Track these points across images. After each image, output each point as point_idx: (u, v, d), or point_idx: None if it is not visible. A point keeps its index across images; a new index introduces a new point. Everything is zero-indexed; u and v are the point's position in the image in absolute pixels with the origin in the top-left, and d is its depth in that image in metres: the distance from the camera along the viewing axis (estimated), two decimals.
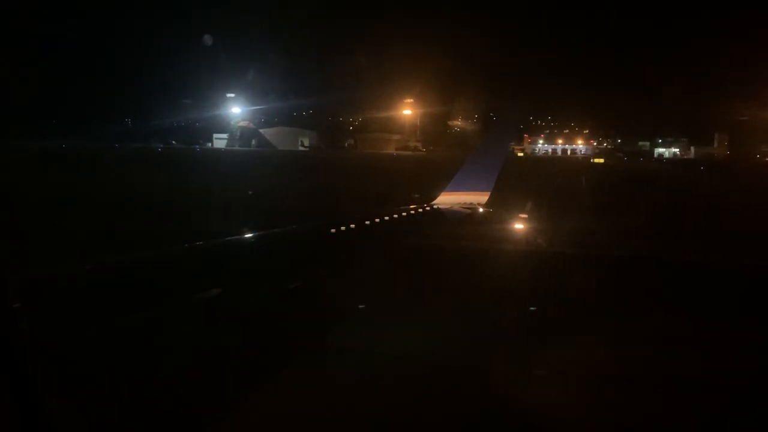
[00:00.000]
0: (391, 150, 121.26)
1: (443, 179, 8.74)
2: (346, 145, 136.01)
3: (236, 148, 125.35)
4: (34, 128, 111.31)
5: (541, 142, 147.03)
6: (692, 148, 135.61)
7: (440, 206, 7.98)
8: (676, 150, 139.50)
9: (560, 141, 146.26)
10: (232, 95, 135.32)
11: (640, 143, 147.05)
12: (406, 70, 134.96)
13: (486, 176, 8.53)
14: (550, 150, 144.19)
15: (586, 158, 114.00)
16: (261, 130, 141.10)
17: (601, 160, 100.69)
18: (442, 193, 8.39)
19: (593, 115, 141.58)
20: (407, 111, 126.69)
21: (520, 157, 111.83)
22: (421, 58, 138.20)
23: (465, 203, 8.23)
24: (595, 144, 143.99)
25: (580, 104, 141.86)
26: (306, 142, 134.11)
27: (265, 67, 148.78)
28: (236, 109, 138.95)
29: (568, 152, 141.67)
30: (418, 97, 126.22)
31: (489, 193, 8.36)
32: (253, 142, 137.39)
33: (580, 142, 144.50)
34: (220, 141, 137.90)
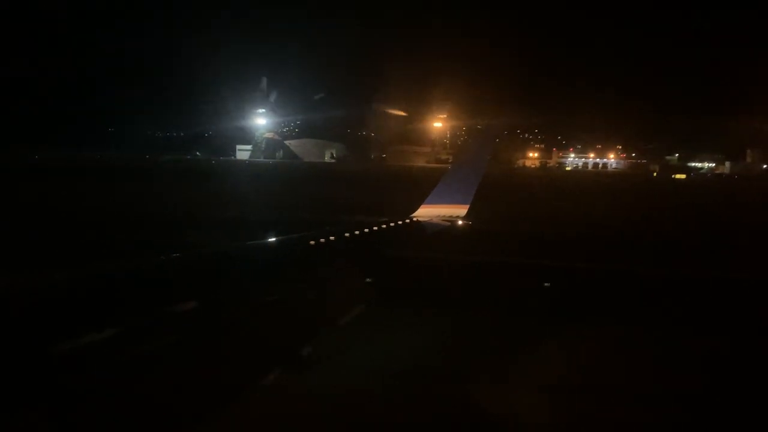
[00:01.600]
0: (421, 163, 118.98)
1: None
2: (373, 157, 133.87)
3: (261, 159, 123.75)
4: (63, 139, 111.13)
5: (572, 155, 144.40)
6: (727, 164, 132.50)
7: (420, 218, 8.07)
8: (710, 165, 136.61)
9: (592, 155, 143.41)
10: (261, 110, 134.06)
11: (668, 158, 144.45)
12: (436, 83, 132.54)
13: (466, 189, 8.64)
14: (580, 163, 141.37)
15: (619, 173, 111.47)
16: (286, 142, 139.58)
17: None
18: (422, 206, 8.44)
19: (623, 129, 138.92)
20: (438, 124, 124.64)
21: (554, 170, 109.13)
22: (453, 72, 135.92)
23: (445, 216, 8.35)
24: (625, 157, 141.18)
25: (611, 118, 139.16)
26: (331, 155, 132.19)
27: (291, 79, 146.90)
28: (261, 120, 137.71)
29: (599, 166, 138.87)
30: (450, 111, 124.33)
31: (468, 206, 8.49)
32: (279, 153, 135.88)
33: (611, 156, 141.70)
34: (243, 152, 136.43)
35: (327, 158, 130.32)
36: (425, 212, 8.41)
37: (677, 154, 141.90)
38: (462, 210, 8.56)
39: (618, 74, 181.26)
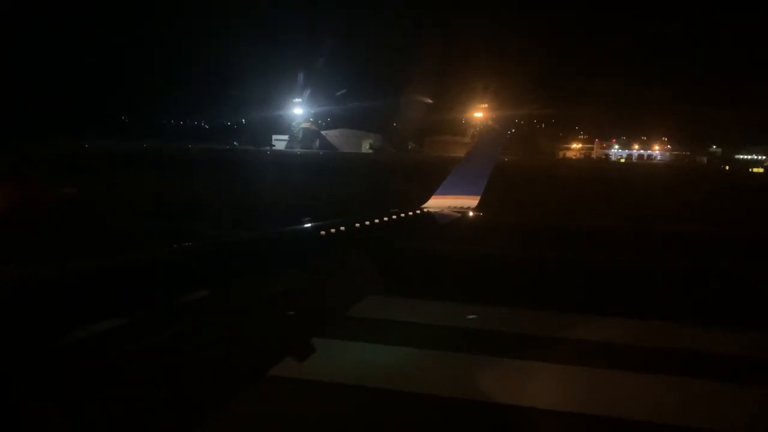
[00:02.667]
0: (460, 153, 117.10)
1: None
2: (410, 147, 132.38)
3: (297, 149, 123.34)
4: (101, 129, 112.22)
5: (616, 147, 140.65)
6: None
7: (431, 209, 8.15)
8: (760, 156, 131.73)
9: (636, 146, 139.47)
10: (298, 100, 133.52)
11: (712, 149, 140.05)
12: (475, 73, 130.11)
13: (477, 180, 8.60)
14: (624, 155, 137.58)
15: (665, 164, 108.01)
16: (323, 132, 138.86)
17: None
18: (433, 197, 8.45)
19: (668, 121, 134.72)
20: (477, 113, 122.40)
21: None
22: (492, 62, 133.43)
23: (455, 207, 8.39)
24: (670, 148, 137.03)
25: (656, 109, 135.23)
26: (370, 145, 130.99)
27: (329, 69, 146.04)
28: (298, 110, 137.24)
29: (644, 157, 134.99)
30: (489, 100, 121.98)
31: (479, 197, 8.49)
32: (315, 143, 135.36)
33: (656, 147, 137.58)
34: (279, 142, 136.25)
35: (364, 149, 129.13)
36: (436, 203, 8.42)
37: (715, 147, 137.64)
38: (473, 201, 8.51)
39: (660, 65, 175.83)
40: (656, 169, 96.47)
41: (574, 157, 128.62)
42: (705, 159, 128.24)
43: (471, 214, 8.27)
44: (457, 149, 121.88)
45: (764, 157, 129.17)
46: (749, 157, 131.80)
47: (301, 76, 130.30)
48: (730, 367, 8.02)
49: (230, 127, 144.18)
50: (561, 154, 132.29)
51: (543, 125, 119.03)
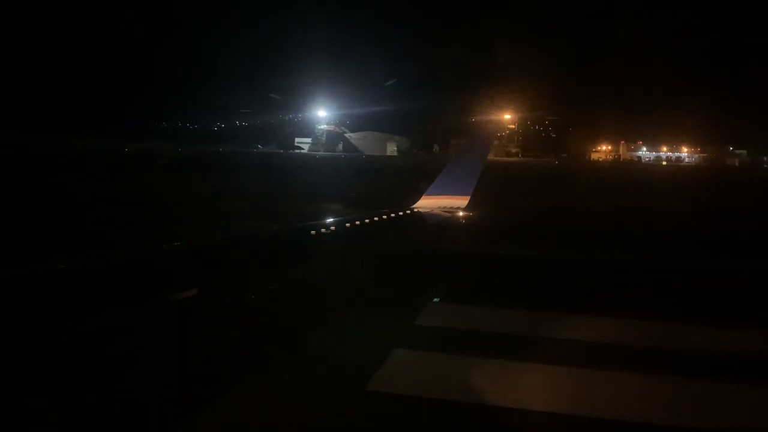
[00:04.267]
0: (488, 156, 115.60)
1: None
2: (435, 150, 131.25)
3: (321, 152, 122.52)
4: (118, 130, 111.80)
5: (644, 148, 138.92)
6: None
7: (421, 209, 8.12)
8: None
9: (664, 148, 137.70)
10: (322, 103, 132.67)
11: (737, 151, 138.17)
12: (502, 75, 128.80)
13: (466, 180, 8.67)
14: (652, 157, 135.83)
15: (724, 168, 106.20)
16: (347, 135, 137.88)
17: None
18: (423, 197, 8.48)
19: (693, 123, 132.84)
20: (506, 116, 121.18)
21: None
22: (518, 64, 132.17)
23: (445, 206, 8.42)
24: (699, 150, 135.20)
25: (681, 111, 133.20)
26: (394, 148, 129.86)
27: (353, 71, 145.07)
28: (321, 113, 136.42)
29: (673, 160, 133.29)
30: (518, 103, 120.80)
31: (469, 197, 8.54)
32: (339, 146, 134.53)
33: (685, 149, 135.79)
34: (302, 145, 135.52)
35: (389, 152, 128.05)
36: (426, 203, 8.39)
37: (745, 150, 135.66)
38: (463, 201, 8.54)
39: (687, 67, 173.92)
40: (708, 172, 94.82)
41: (600, 160, 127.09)
42: (736, 161, 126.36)
43: (461, 214, 8.35)
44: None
45: None
46: None
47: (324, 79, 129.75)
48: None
49: (253, 130, 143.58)
50: (590, 156, 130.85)
51: (570, 128, 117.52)
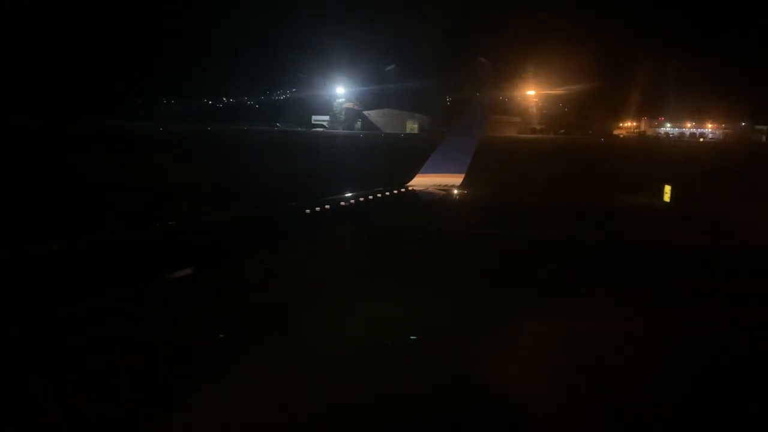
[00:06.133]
0: (512, 133, 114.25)
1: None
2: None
3: (340, 130, 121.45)
4: (137, 109, 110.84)
5: (668, 125, 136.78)
6: None
7: (415, 188, 7.97)
8: None
9: (688, 124, 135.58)
10: (336, 80, 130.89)
11: (758, 127, 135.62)
12: (523, 51, 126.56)
13: (461, 159, 8.63)
14: (676, 132, 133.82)
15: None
16: (365, 112, 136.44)
17: None
18: (417, 175, 8.37)
19: (715, 98, 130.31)
20: (530, 92, 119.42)
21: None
22: (543, 40, 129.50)
23: (440, 185, 8.30)
24: (725, 127, 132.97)
25: (703, 86, 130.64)
26: (414, 125, 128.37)
27: (372, 48, 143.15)
28: (340, 89, 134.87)
29: (697, 136, 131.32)
30: (542, 79, 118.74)
31: (463, 176, 8.44)
32: (357, 124, 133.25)
33: (709, 125, 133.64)
34: (321, 123, 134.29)
35: (409, 129, 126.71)
36: (421, 181, 8.32)
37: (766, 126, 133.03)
38: (458, 179, 8.48)
39: (707, 42, 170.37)
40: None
41: (621, 135, 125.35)
42: (763, 137, 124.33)
43: (456, 192, 8.33)
44: (507, 128, 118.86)
45: None
46: None
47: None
48: None
49: (268, 108, 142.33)
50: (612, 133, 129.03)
51: (594, 105, 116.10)
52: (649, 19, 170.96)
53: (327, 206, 5.77)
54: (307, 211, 5.54)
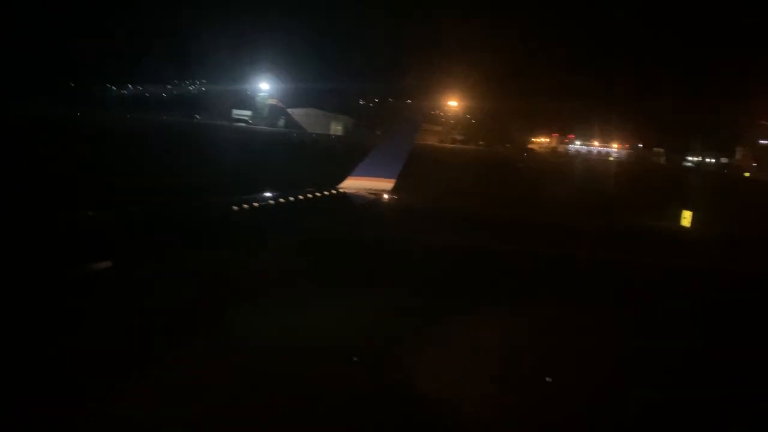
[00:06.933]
0: (432, 141, 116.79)
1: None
2: (378, 133, 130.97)
3: (261, 126, 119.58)
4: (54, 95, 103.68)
5: (578, 142, 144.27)
6: (723, 159, 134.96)
7: (346, 191, 7.98)
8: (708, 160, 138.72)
9: (596, 143, 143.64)
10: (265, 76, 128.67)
11: (656, 149, 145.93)
12: (447, 64, 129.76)
13: (393, 164, 8.73)
14: (584, 150, 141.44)
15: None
16: (289, 110, 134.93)
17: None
18: (348, 178, 8.34)
19: (622, 120, 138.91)
20: (452, 103, 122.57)
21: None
22: (467, 53, 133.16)
23: (370, 189, 8.35)
24: (628, 147, 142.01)
25: (611, 107, 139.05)
26: (339, 127, 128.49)
27: (297, 47, 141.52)
28: (264, 86, 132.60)
29: (602, 154, 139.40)
30: (464, 91, 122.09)
31: (394, 181, 8.55)
32: (281, 121, 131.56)
33: (615, 145, 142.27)
34: (242, 118, 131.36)
35: (333, 130, 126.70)
36: (351, 184, 8.42)
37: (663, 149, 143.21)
38: (388, 184, 8.64)
39: (610, 66, 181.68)
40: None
41: (536, 150, 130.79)
42: (662, 159, 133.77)
43: (386, 197, 8.48)
44: (428, 137, 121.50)
45: (713, 160, 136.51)
46: (696, 159, 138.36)
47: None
48: None
49: (189, 99, 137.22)
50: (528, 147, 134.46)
51: (513, 119, 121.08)
52: (566, 43, 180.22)
53: (255, 204, 5.70)
54: (228, 209, 5.47)
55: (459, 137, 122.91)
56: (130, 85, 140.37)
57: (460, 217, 21.15)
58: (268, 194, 6.36)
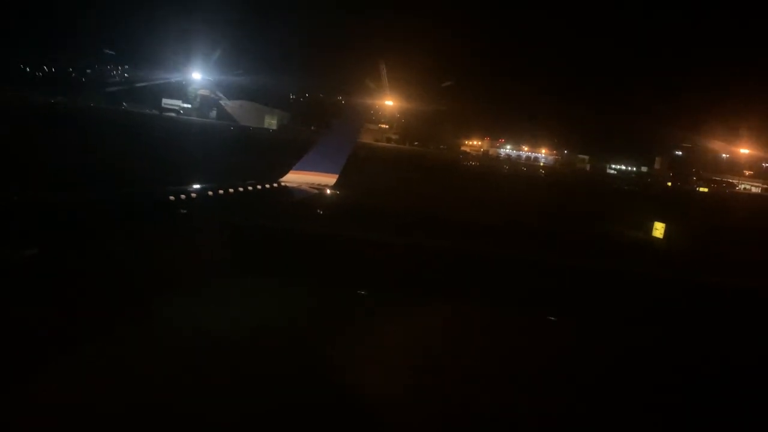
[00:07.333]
0: (368, 140, 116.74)
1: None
2: (313, 128, 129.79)
3: (192, 117, 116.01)
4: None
5: (509, 146, 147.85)
6: (644, 168, 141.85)
7: (287, 184, 8.11)
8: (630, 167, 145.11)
9: (525, 148, 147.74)
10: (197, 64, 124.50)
11: (581, 156, 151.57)
12: (387, 64, 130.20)
13: (336, 159, 8.98)
14: (514, 155, 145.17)
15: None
16: (222, 102, 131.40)
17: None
18: (291, 171, 8.51)
19: (550, 126, 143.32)
20: (388, 102, 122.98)
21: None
22: (402, 55, 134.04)
23: (313, 183, 8.54)
24: (556, 153, 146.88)
25: (538, 117, 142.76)
26: (273, 121, 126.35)
27: (234, 37, 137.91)
28: (196, 75, 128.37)
29: (531, 159, 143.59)
30: (399, 91, 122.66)
31: (337, 176, 8.79)
32: (213, 113, 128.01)
33: (544, 151, 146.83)
34: (172, 107, 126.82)
35: (267, 124, 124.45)
36: (294, 178, 8.51)
37: (587, 156, 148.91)
38: (331, 179, 8.84)
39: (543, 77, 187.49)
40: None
41: (468, 152, 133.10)
42: (587, 166, 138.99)
43: (328, 192, 8.70)
44: (364, 135, 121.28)
45: (634, 169, 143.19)
46: (619, 167, 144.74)
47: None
48: None
49: (113, 85, 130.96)
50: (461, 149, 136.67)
51: (447, 121, 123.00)
52: (500, 51, 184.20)
53: (194, 194, 5.70)
54: (173, 197, 5.46)
55: (394, 137, 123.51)
56: (48, 66, 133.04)
57: (407, 215, 21.08)
58: (204, 185, 6.26)
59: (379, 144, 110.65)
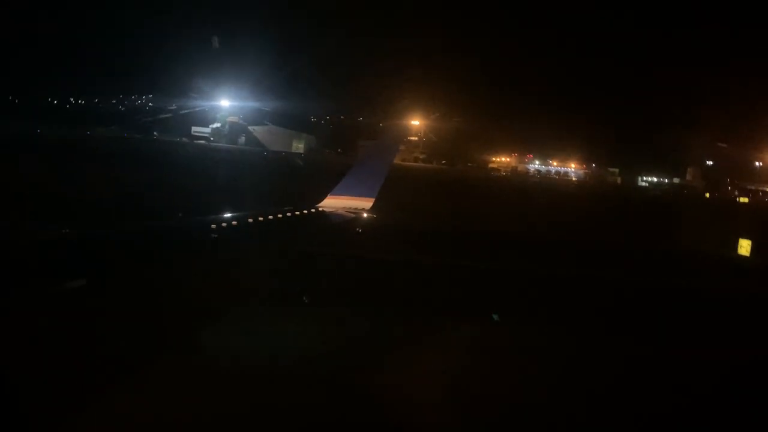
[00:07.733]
0: (395, 160, 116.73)
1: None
2: (339, 150, 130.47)
3: (221, 144, 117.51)
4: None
5: (537, 162, 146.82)
6: (676, 180, 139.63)
7: (325, 209, 8.01)
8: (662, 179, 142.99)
9: (554, 162, 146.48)
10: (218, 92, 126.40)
11: (611, 170, 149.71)
12: (409, 83, 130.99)
13: (372, 183, 8.79)
14: (543, 170, 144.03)
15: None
16: (250, 128, 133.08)
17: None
18: (328, 196, 8.42)
19: (579, 141, 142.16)
20: (415, 122, 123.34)
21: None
22: (428, 74, 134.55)
23: (350, 207, 8.42)
24: (585, 167, 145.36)
25: (568, 130, 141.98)
26: (301, 145, 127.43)
27: (262, 64, 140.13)
28: (224, 102, 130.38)
29: (561, 173, 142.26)
30: (426, 110, 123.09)
31: (373, 200, 8.60)
32: (241, 139, 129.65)
33: (573, 165, 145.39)
34: (201, 135, 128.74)
35: (294, 149, 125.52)
36: (331, 203, 8.45)
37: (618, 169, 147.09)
38: (368, 203, 8.69)
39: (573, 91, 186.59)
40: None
41: (496, 169, 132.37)
42: (618, 179, 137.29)
43: (365, 215, 8.52)
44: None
45: (666, 180, 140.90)
46: (650, 179, 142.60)
47: (215, 42, 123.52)
48: None
49: (145, 116, 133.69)
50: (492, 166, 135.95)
51: (474, 139, 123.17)
52: (527, 67, 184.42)
53: (234, 222, 5.64)
54: (214, 226, 5.41)
55: (421, 156, 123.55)
56: (81, 100, 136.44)
57: (447, 236, 20.72)
58: (247, 213, 6.26)
59: (405, 164, 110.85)
